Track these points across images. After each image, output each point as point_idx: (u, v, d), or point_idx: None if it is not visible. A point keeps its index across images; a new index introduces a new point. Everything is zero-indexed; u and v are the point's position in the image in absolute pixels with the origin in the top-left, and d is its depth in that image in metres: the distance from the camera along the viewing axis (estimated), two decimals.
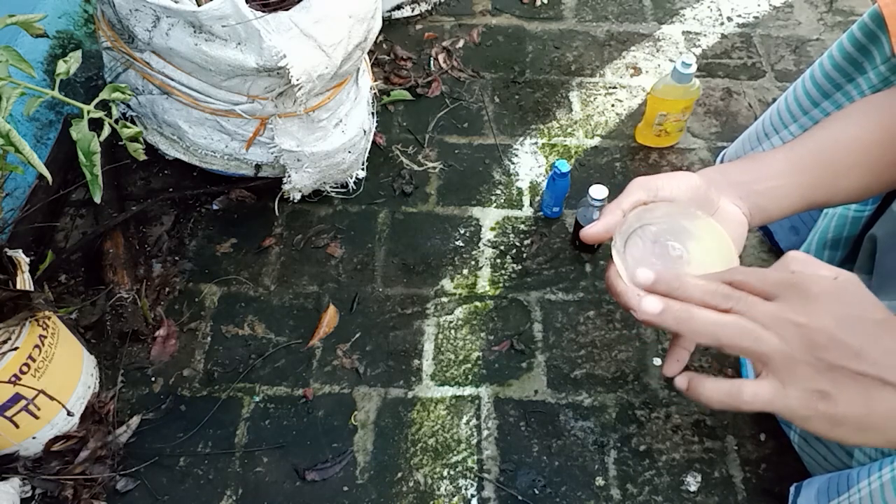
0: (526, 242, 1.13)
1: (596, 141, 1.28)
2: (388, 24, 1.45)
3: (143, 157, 0.83)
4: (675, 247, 0.48)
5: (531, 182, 1.21)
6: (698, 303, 0.41)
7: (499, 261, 1.11)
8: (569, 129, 1.29)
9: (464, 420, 0.95)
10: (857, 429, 0.40)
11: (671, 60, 1.41)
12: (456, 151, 1.25)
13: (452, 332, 1.04)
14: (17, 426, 0.83)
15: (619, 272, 0.46)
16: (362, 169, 1.18)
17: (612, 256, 0.47)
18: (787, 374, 0.40)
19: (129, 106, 1.06)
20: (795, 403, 0.40)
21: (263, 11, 0.87)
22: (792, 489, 0.83)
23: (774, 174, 0.56)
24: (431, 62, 1.39)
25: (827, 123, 0.62)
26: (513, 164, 1.24)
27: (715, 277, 0.43)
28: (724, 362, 1.01)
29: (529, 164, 1.24)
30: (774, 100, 1.13)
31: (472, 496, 0.89)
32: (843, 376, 0.39)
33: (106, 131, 0.78)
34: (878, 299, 0.42)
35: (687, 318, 0.40)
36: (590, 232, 0.50)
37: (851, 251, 0.83)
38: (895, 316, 0.41)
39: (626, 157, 1.25)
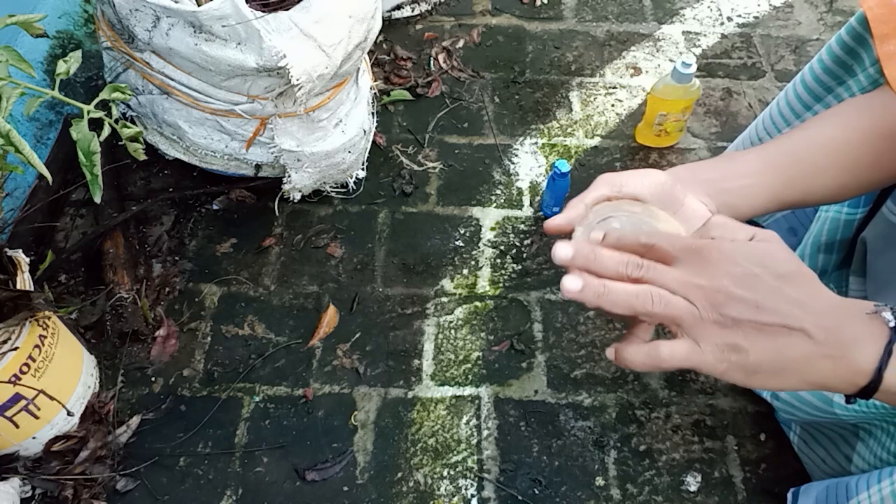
0: (526, 242, 1.13)
1: (596, 141, 1.28)
2: (388, 24, 1.45)
3: (143, 157, 0.83)
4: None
5: (531, 182, 1.21)
6: (612, 274, 0.44)
7: (499, 261, 1.11)
8: (569, 129, 1.29)
9: (464, 420, 0.95)
10: (772, 374, 0.43)
11: (671, 60, 1.41)
12: (456, 151, 1.25)
13: (452, 332, 1.04)
14: (17, 426, 0.83)
15: None
16: (362, 169, 1.18)
17: None
18: (699, 333, 0.43)
19: (129, 106, 1.06)
20: (710, 358, 0.43)
21: (263, 11, 0.87)
22: (789, 495, 0.83)
23: (746, 173, 0.58)
24: (431, 62, 1.39)
25: (805, 125, 0.63)
26: (513, 164, 1.24)
27: (633, 239, 0.46)
28: None
29: (529, 164, 1.24)
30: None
31: (472, 496, 0.89)
32: (750, 328, 0.42)
33: (106, 131, 0.78)
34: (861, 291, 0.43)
35: (604, 293, 0.43)
36: (552, 224, 0.52)
37: (846, 254, 0.83)
38: (802, 268, 0.44)
39: (626, 157, 1.25)
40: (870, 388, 0.43)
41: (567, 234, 0.51)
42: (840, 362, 0.42)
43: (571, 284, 0.44)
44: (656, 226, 0.50)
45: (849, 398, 0.45)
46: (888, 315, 0.43)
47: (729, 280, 0.42)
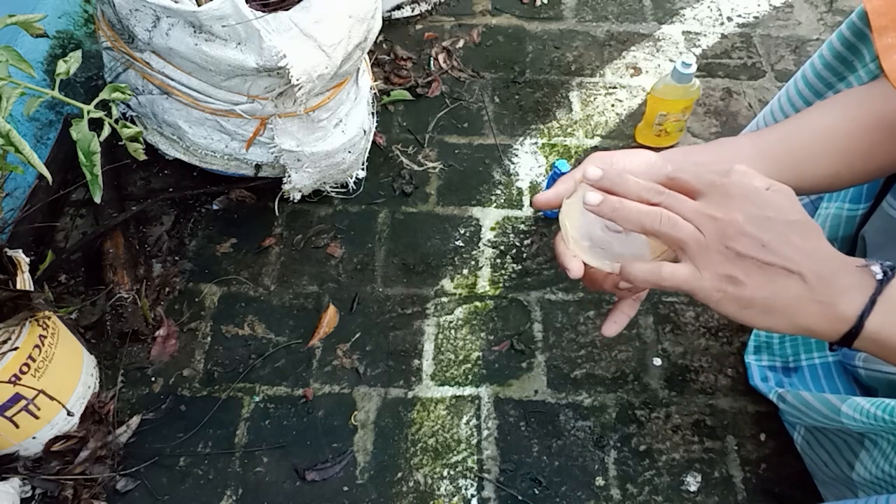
0: (526, 242, 1.13)
1: (596, 141, 1.28)
2: (388, 24, 1.45)
3: (143, 157, 0.83)
4: None
5: (531, 182, 1.21)
6: (634, 197, 0.47)
7: (499, 261, 1.11)
8: (569, 129, 1.29)
9: (464, 420, 0.95)
10: (764, 311, 0.45)
11: (671, 60, 1.41)
12: (456, 151, 1.25)
13: (452, 332, 1.04)
14: (17, 426, 0.83)
15: (563, 236, 0.51)
16: (362, 169, 1.18)
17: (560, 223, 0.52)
18: (701, 260, 0.45)
19: (129, 106, 1.06)
20: (708, 285, 0.45)
21: (263, 11, 0.87)
22: None
23: (739, 157, 0.59)
24: (431, 62, 1.39)
25: (802, 113, 0.64)
26: (513, 164, 1.24)
27: (659, 172, 0.49)
28: (724, 363, 1.01)
29: (529, 164, 1.24)
30: None
31: (472, 496, 0.89)
32: (752, 265, 0.44)
33: (106, 131, 0.78)
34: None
35: (619, 208, 0.46)
36: (541, 198, 0.54)
37: (849, 251, 0.83)
38: (811, 222, 0.46)
39: None
40: (851, 334, 0.45)
41: (554, 209, 0.53)
42: (828, 308, 0.45)
43: (592, 198, 0.47)
44: None
45: (832, 345, 0.47)
46: (876, 268, 0.45)
47: (742, 216, 0.44)
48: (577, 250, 0.50)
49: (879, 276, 0.45)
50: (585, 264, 0.50)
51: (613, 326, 0.54)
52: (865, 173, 0.63)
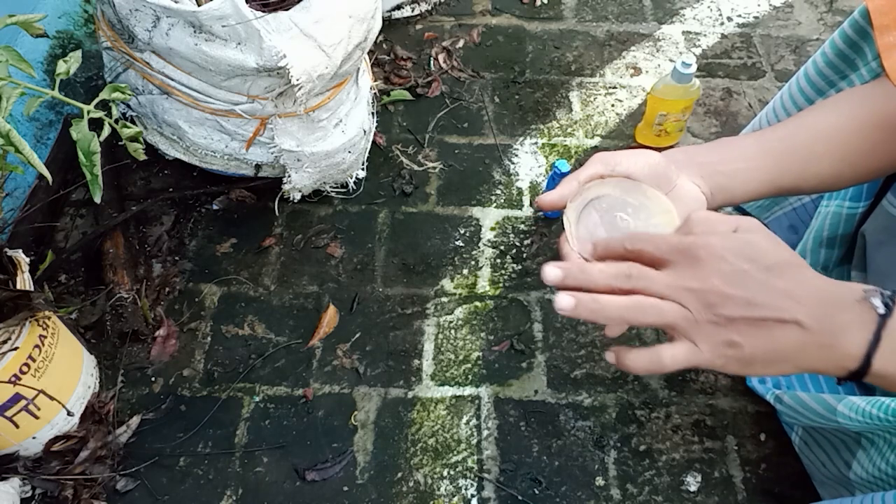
0: (526, 242, 1.13)
1: (596, 141, 1.28)
2: (388, 24, 1.45)
3: (143, 157, 0.83)
4: (623, 218, 0.51)
5: (531, 182, 1.21)
6: (603, 288, 0.45)
7: (499, 261, 1.11)
8: (569, 129, 1.29)
9: (464, 420, 0.95)
10: (767, 363, 0.44)
11: (671, 60, 1.41)
12: (456, 151, 1.25)
13: (452, 332, 1.04)
14: (17, 426, 0.83)
15: (567, 238, 0.50)
16: (362, 169, 1.18)
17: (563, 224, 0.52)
18: (695, 335, 0.44)
19: (129, 106, 1.06)
20: (708, 356, 0.44)
21: (263, 11, 0.87)
22: None
23: (742, 157, 0.58)
24: (431, 62, 1.39)
25: (804, 112, 0.64)
26: (513, 164, 1.24)
27: (618, 246, 0.47)
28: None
29: (529, 164, 1.24)
30: None
31: (472, 496, 0.89)
32: (744, 324, 0.43)
33: (106, 131, 0.78)
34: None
35: (598, 309, 0.44)
36: (545, 199, 0.53)
37: (848, 250, 0.83)
38: (789, 257, 0.45)
39: None
40: (859, 373, 0.44)
41: (559, 209, 0.52)
42: (831, 349, 0.43)
43: (565, 303, 0.45)
44: (647, 205, 0.52)
45: (840, 380, 0.46)
46: (877, 301, 0.44)
47: (719, 279, 0.43)
48: (581, 252, 0.50)
49: (882, 311, 0.44)
50: None
51: (616, 328, 0.54)
52: (867, 173, 0.63)
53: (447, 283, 1.08)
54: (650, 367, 0.45)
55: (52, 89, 0.73)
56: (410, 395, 0.97)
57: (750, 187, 0.57)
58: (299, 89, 0.90)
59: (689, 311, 0.44)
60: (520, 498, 0.89)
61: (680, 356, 0.44)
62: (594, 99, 1.34)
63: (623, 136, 1.28)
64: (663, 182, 0.53)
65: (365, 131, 1.12)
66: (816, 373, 0.45)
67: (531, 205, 1.18)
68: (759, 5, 1.53)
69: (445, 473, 0.91)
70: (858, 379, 0.44)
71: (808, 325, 0.43)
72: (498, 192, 1.20)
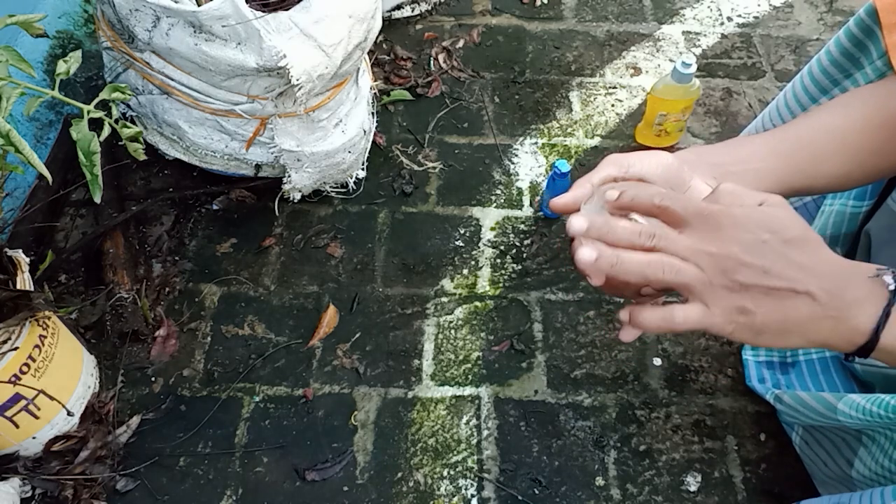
0: (526, 242, 1.13)
1: (596, 141, 1.28)
2: (388, 24, 1.45)
3: (143, 157, 0.83)
4: (638, 221, 0.50)
5: (531, 182, 1.21)
6: (625, 244, 0.46)
7: (499, 261, 1.11)
8: (569, 129, 1.29)
9: (464, 420, 0.95)
10: (778, 334, 0.45)
11: (671, 60, 1.41)
12: (456, 151, 1.26)
13: (452, 332, 1.04)
14: (17, 426, 0.83)
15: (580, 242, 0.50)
16: (362, 169, 1.18)
17: None
18: (709, 297, 0.45)
19: (129, 106, 1.06)
20: (720, 320, 0.45)
21: (263, 11, 0.87)
22: None
23: (753, 157, 0.58)
24: (431, 62, 1.39)
25: (811, 112, 0.64)
26: (513, 164, 1.24)
27: (646, 199, 0.47)
28: (724, 363, 1.01)
29: (529, 164, 1.24)
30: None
31: (472, 496, 0.89)
32: (758, 292, 0.44)
33: (106, 131, 0.78)
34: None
35: (617, 262, 0.45)
36: (559, 202, 0.53)
37: (851, 248, 0.83)
38: (809, 233, 0.45)
39: None
40: (867, 347, 0.45)
41: (573, 212, 0.52)
42: (841, 323, 0.44)
43: (586, 255, 0.45)
44: None
45: (847, 356, 0.47)
46: (889, 278, 0.45)
47: (738, 247, 0.44)
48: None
49: (893, 287, 0.44)
50: None
51: (631, 332, 0.53)
52: (876, 172, 0.63)
53: (447, 283, 1.08)
54: (662, 324, 0.46)
55: (52, 89, 0.73)
56: (410, 395, 0.97)
57: (761, 187, 0.57)
58: (299, 89, 0.90)
59: (705, 274, 0.44)
60: (520, 498, 0.89)
61: (692, 317, 0.45)
62: (594, 99, 1.34)
63: (623, 136, 1.28)
64: (677, 183, 0.53)
65: (365, 131, 1.12)
66: (825, 346, 0.46)
67: (531, 205, 1.18)
68: (759, 5, 1.53)
69: (445, 473, 0.91)
70: (865, 355, 0.45)
71: (819, 298, 0.44)
72: (498, 192, 1.20)
